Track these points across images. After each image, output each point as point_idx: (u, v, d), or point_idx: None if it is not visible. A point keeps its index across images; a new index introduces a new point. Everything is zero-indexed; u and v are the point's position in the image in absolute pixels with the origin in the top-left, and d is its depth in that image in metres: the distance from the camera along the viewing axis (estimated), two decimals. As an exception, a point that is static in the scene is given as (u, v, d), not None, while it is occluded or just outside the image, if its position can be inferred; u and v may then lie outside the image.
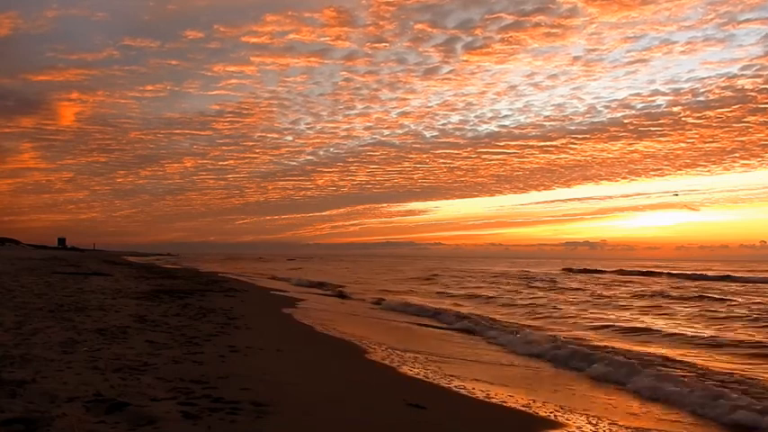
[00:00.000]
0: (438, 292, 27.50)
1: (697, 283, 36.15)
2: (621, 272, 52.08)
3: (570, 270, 57.73)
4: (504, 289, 29.78)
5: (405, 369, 8.54)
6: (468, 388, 7.52)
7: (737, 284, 34.73)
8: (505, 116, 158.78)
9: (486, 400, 6.98)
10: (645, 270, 52.82)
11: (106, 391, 5.24)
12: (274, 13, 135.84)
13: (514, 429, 5.96)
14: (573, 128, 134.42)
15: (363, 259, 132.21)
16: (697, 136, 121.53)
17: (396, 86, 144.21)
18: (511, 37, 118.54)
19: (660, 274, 47.16)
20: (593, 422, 6.29)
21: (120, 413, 4.61)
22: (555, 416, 6.42)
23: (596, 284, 34.37)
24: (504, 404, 6.81)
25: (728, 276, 41.11)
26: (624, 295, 25.77)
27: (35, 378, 5.50)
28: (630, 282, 37.60)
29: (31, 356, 6.51)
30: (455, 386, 7.59)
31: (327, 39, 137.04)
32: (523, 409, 6.65)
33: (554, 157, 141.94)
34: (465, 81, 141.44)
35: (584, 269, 57.95)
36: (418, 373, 8.27)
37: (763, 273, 47.83)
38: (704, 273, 46.96)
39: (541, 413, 6.51)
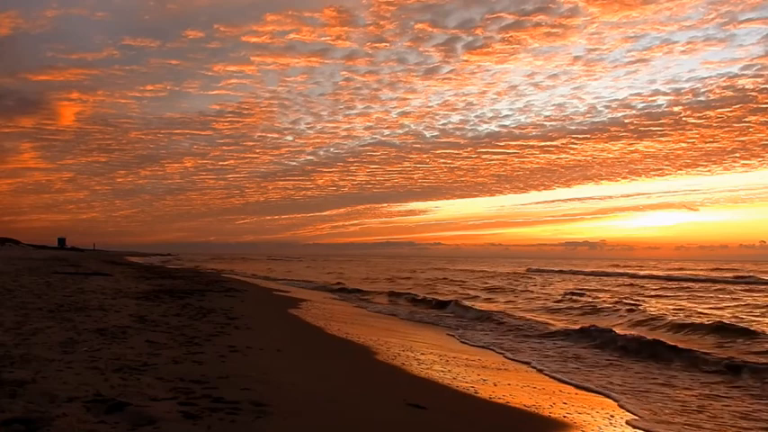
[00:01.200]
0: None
1: (634, 281, 40.38)
2: (578, 272, 55.10)
3: (531, 270, 62.53)
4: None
5: (406, 368, 8.55)
6: (473, 388, 7.52)
7: (671, 283, 37.72)
8: (506, 116, 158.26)
9: (489, 399, 6.97)
10: (613, 271, 55.80)
11: (106, 391, 5.23)
12: (275, 13, 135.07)
13: (516, 430, 5.95)
14: (573, 128, 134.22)
15: (357, 259, 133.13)
16: (697, 136, 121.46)
17: (396, 86, 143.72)
18: (511, 37, 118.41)
19: (623, 274, 49.92)
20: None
21: (120, 413, 4.60)
22: (564, 416, 6.41)
23: (517, 281, 39.28)
24: (508, 404, 6.80)
25: (669, 277, 44.55)
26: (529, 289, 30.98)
27: (35, 378, 5.49)
28: (572, 280, 41.23)
29: (31, 356, 6.50)
30: (456, 386, 7.60)
31: (328, 38, 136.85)
32: (525, 408, 6.64)
33: (554, 157, 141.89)
34: (465, 81, 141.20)
35: (544, 269, 63.86)
36: (420, 373, 8.28)
37: (726, 273, 49.79)
38: (671, 274, 49.10)
39: (544, 413, 6.51)
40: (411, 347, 10.96)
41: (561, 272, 57.21)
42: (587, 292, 27.11)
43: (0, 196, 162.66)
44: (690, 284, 35.17)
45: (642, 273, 51.53)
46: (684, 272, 54.15)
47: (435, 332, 14.67)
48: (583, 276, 49.08)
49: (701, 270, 58.57)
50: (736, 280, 39.23)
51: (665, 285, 34.49)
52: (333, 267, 66.48)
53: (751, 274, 46.82)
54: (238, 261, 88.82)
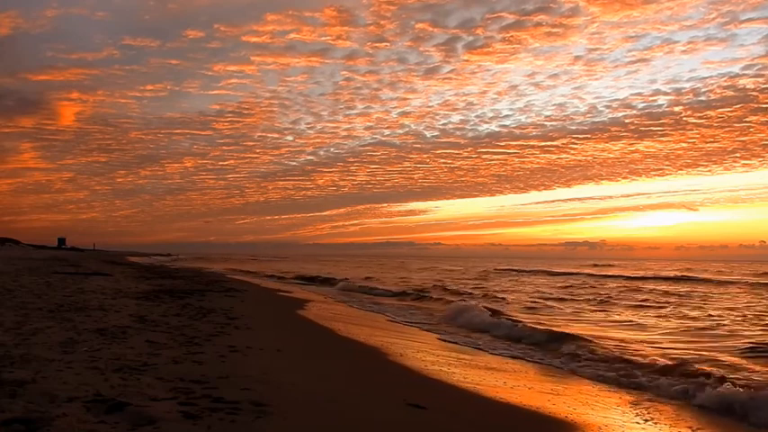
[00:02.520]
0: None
1: (582, 280, 41.66)
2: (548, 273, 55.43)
3: (497, 269, 63.73)
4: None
5: (406, 367, 8.55)
6: (470, 388, 7.52)
7: (620, 281, 38.89)
8: (506, 116, 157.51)
9: (490, 399, 6.97)
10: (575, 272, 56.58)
11: (106, 391, 5.23)
12: (275, 13, 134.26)
13: (517, 430, 5.95)
14: (574, 128, 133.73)
15: (350, 259, 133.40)
16: (698, 136, 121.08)
17: (396, 86, 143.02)
18: (512, 36, 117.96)
19: (583, 274, 50.77)
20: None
21: (120, 413, 4.59)
22: (566, 416, 6.41)
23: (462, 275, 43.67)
24: (510, 404, 6.79)
25: (621, 275, 46.03)
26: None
27: (35, 378, 5.49)
28: (531, 280, 42.41)
29: (31, 356, 6.50)
30: (458, 385, 7.60)
31: (328, 38, 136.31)
32: (526, 408, 6.64)
33: (555, 156, 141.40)
34: (466, 81, 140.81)
35: (512, 268, 65.44)
36: (420, 371, 8.27)
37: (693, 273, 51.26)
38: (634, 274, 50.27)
39: (544, 412, 6.50)
40: (407, 346, 10.96)
41: (526, 272, 57.62)
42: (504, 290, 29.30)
43: (0, 196, 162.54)
44: (627, 283, 36.28)
45: (607, 273, 52.61)
46: (651, 272, 54.98)
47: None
48: (537, 275, 50.06)
49: (674, 270, 59.03)
50: (673, 278, 42.16)
51: (598, 284, 35.70)
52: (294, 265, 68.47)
53: (684, 273, 48.19)
54: (219, 261, 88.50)
